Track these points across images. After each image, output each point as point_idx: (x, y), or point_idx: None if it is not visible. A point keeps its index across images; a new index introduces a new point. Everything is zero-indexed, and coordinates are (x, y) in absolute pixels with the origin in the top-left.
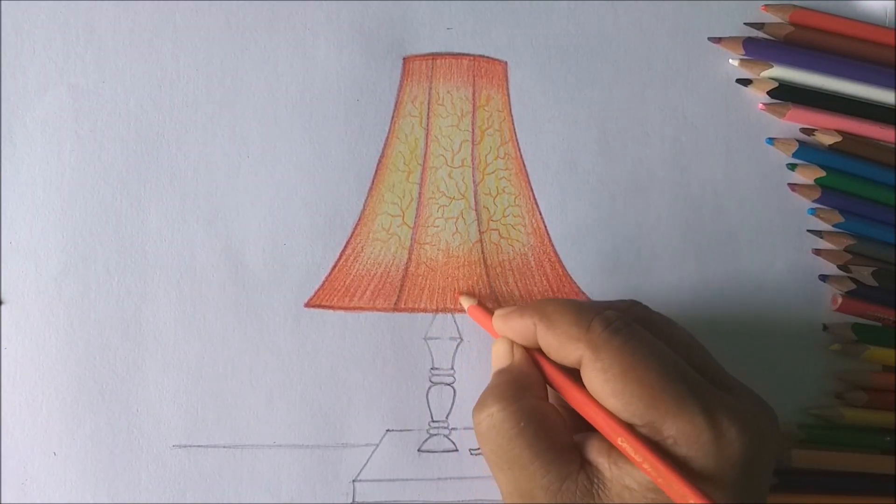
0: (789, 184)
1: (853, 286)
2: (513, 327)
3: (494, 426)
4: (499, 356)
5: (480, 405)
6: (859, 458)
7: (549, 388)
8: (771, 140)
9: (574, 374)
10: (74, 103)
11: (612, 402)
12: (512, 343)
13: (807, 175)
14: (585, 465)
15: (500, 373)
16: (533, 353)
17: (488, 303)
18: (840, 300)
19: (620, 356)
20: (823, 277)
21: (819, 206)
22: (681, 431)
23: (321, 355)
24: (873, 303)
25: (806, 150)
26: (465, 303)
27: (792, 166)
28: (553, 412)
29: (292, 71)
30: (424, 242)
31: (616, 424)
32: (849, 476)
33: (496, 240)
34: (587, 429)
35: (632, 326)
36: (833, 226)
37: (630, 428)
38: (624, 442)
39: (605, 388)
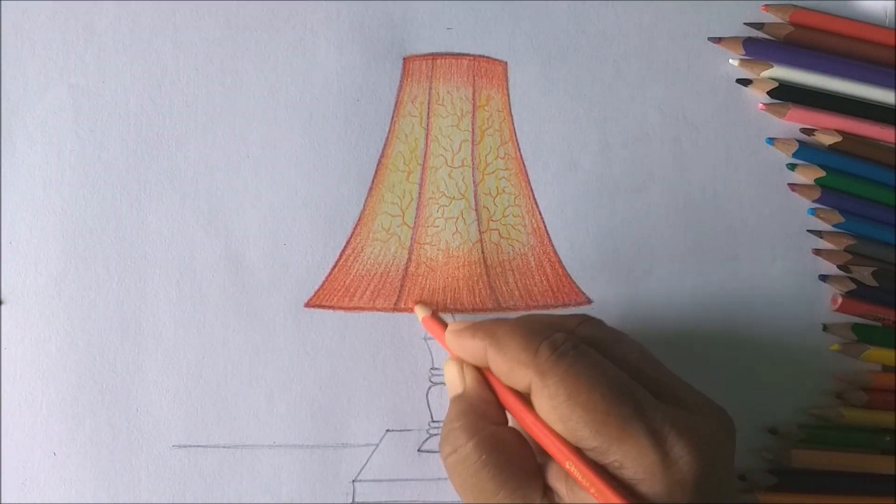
0: (789, 184)
1: (853, 286)
2: (464, 347)
3: (459, 461)
4: (451, 381)
5: (444, 440)
6: (859, 458)
7: None
8: (771, 140)
9: (526, 395)
10: (74, 103)
11: (559, 428)
12: (462, 366)
13: (807, 175)
14: (548, 491)
15: (456, 401)
16: (485, 373)
17: (488, 303)
18: (840, 300)
19: (566, 381)
20: (823, 277)
21: (819, 206)
22: (626, 455)
23: (321, 355)
24: (873, 303)
25: (806, 150)
26: (420, 312)
27: (792, 166)
28: (514, 438)
29: (292, 71)
30: (424, 242)
31: (564, 448)
32: (849, 476)
33: (496, 240)
34: None
35: (579, 349)
36: (833, 226)
37: (578, 452)
38: (571, 465)
39: (553, 414)
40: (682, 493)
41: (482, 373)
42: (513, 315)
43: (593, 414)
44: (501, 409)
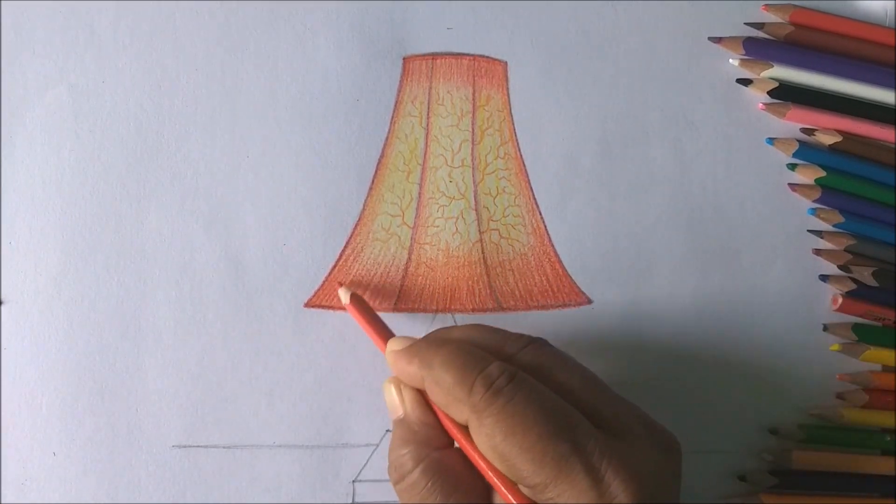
0: (789, 184)
1: (853, 286)
2: (402, 371)
3: (407, 489)
4: (391, 404)
5: (391, 468)
6: (859, 458)
7: None
8: (771, 140)
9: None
10: (74, 103)
11: (499, 465)
12: (399, 388)
13: (807, 175)
14: None
15: (399, 425)
16: (426, 396)
17: (488, 303)
18: (840, 300)
19: (501, 420)
20: (824, 277)
21: (819, 206)
22: (562, 494)
23: (321, 355)
24: (873, 303)
25: (806, 150)
26: (344, 296)
27: (792, 166)
28: (459, 460)
29: (292, 71)
30: (424, 242)
31: (503, 481)
32: (849, 476)
33: (496, 240)
34: None
35: (516, 381)
36: (833, 226)
37: (516, 486)
38: (514, 499)
39: (492, 452)
40: None
41: (423, 395)
42: (511, 315)
43: (531, 453)
44: (444, 431)
